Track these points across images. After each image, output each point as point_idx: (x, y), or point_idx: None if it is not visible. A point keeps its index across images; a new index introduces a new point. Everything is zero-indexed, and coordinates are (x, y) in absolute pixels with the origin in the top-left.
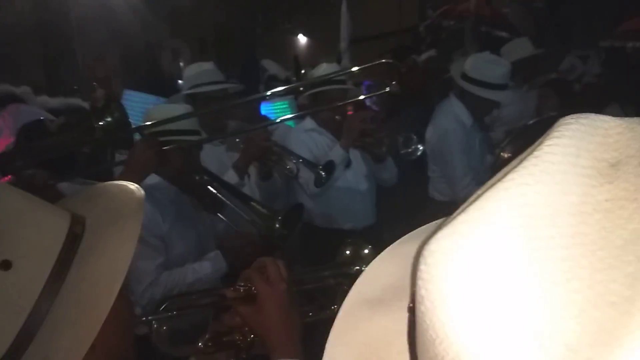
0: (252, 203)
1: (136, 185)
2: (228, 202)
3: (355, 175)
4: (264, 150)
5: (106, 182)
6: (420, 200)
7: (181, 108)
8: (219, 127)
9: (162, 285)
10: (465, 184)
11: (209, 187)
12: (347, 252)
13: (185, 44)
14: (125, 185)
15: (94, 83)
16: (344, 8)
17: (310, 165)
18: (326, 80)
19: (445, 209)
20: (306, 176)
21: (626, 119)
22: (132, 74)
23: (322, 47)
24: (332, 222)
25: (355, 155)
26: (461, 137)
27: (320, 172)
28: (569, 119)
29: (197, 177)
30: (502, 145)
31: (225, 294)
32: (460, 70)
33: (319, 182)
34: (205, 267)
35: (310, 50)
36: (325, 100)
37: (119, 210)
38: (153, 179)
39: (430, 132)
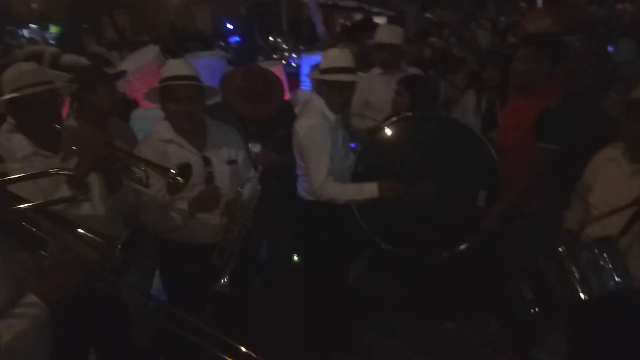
0: (80, 231)
1: None
2: (49, 238)
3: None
4: (104, 158)
5: None
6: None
7: None
8: (47, 133)
9: None
10: (323, 180)
11: (24, 223)
12: None
13: None
14: None
15: None
16: None
17: (162, 170)
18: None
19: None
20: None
21: None
22: None
23: None
24: (189, 237)
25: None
26: (326, 131)
27: (176, 176)
28: None
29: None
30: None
31: None
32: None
33: (174, 189)
34: (23, 318)
35: None
36: None
37: None
38: None
39: (297, 127)
